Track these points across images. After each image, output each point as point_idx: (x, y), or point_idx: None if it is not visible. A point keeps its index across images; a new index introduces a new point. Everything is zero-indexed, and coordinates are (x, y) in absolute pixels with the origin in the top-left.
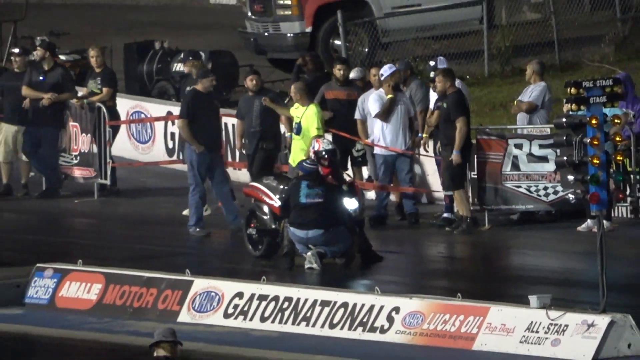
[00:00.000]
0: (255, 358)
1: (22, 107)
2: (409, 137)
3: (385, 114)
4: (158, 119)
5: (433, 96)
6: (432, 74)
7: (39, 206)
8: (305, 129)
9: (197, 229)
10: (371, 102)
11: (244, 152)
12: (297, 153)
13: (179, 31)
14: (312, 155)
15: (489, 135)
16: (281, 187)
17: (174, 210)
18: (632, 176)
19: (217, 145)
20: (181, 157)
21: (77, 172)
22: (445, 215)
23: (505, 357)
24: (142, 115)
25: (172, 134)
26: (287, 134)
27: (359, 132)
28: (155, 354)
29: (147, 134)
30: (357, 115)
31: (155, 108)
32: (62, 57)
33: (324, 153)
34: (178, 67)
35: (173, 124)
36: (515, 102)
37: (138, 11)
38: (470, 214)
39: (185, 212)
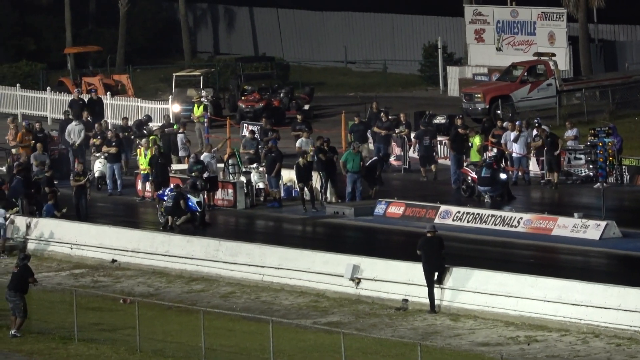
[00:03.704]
0: (461, 237)
1: None
2: (525, 149)
3: (515, 140)
4: None
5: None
6: (536, 123)
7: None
8: (473, 145)
9: None
10: (511, 136)
11: None
12: (473, 155)
13: (438, 107)
14: (489, 155)
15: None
16: (475, 169)
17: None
18: (615, 166)
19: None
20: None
21: None
22: (542, 180)
23: (563, 238)
24: None
25: None
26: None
27: (504, 147)
28: (428, 235)
29: None
30: (502, 140)
31: None
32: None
33: (492, 157)
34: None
35: None
36: (565, 135)
37: (421, 99)
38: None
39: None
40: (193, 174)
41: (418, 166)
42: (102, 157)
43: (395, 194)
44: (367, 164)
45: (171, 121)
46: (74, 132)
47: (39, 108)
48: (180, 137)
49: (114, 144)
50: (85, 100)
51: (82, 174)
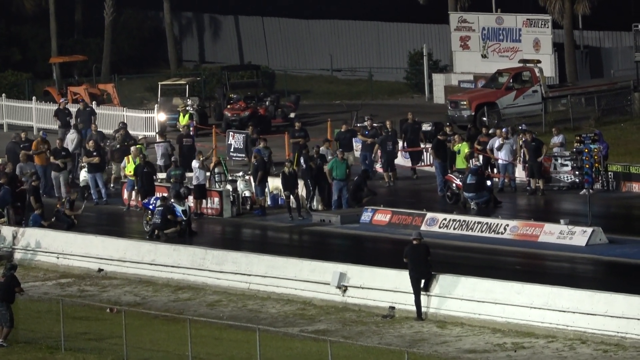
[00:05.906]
0: (447, 244)
1: None
2: (511, 156)
3: (499, 148)
4: None
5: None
6: (520, 129)
7: None
8: (460, 152)
9: None
10: (496, 143)
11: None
12: (459, 162)
13: (423, 115)
14: (476, 163)
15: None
16: (460, 176)
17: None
18: (601, 172)
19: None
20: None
21: None
22: (528, 187)
23: (549, 244)
24: None
25: None
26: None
27: (489, 154)
28: (414, 242)
29: None
30: (488, 147)
31: None
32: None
33: (479, 164)
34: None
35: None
36: (551, 142)
37: (407, 107)
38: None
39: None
40: (172, 180)
41: (405, 173)
42: (84, 168)
43: (382, 201)
44: (352, 186)
45: (190, 133)
46: (69, 142)
47: (24, 118)
48: (164, 145)
49: (95, 154)
50: (73, 109)
51: (74, 204)
